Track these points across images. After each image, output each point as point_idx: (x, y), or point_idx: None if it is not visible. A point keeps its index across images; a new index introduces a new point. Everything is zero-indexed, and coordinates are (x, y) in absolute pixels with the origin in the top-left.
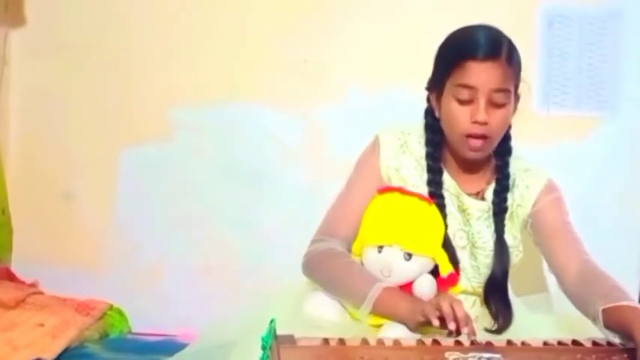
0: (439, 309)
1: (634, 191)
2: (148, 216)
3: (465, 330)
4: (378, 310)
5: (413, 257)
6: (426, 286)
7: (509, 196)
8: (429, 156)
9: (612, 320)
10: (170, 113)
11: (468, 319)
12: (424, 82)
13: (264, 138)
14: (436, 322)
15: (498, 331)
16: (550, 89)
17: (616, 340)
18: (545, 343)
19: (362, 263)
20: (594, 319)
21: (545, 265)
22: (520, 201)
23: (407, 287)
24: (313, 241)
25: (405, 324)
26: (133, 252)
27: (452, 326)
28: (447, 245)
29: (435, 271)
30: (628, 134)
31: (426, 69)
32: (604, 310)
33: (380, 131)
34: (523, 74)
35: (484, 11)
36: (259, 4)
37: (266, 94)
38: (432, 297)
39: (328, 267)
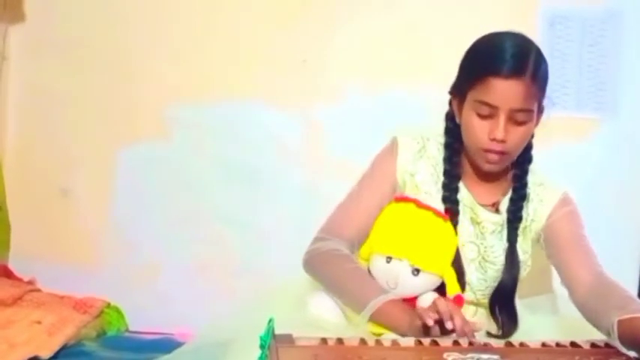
0: (436, 310)
1: (633, 192)
2: (145, 214)
3: (463, 340)
4: (377, 319)
5: (421, 273)
6: (430, 303)
7: (523, 210)
8: (447, 160)
9: (628, 332)
10: (168, 111)
11: (465, 326)
12: (423, 82)
13: (262, 137)
14: (430, 322)
15: (501, 338)
16: (550, 90)
17: (632, 353)
18: (543, 345)
19: (369, 269)
20: (608, 332)
21: (542, 266)
22: (534, 215)
23: (411, 301)
24: (317, 239)
25: (403, 336)
26: (131, 250)
27: (449, 325)
28: (455, 257)
29: (441, 288)
30: (628, 135)
31: (425, 69)
32: (619, 322)
33: (399, 134)
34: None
35: (485, 12)
36: (258, 3)
37: (265, 93)
38: None
39: (334, 268)
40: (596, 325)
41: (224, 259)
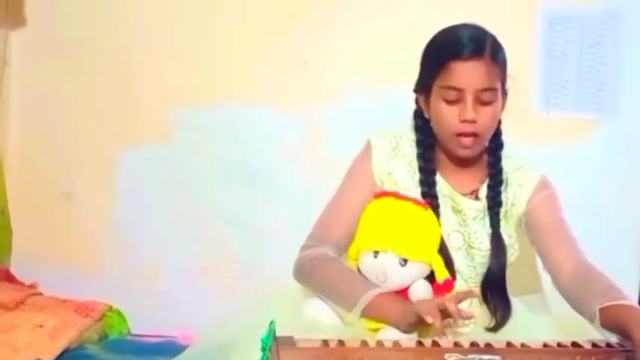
0: (443, 308)
1: (633, 192)
2: (147, 216)
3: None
4: (369, 314)
5: (408, 263)
6: (421, 291)
7: (502, 195)
8: (420, 157)
9: (609, 319)
10: (170, 113)
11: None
12: None
13: (263, 138)
14: (429, 320)
15: (496, 327)
16: (550, 91)
17: (613, 339)
18: (544, 345)
19: (358, 268)
20: (591, 319)
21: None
22: (513, 200)
23: (403, 292)
24: (304, 247)
25: (397, 327)
26: (133, 252)
27: (460, 323)
28: (442, 247)
29: (431, 276)
30: (627, 136)
31: None
32: (601, 310)
33: (372, 135)
34: (516, 74)
35: (484, 12)
36: (259, 5)
37: (265, 94)
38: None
39: (323, 271)
40: (579, 311)
41: (225, 260)
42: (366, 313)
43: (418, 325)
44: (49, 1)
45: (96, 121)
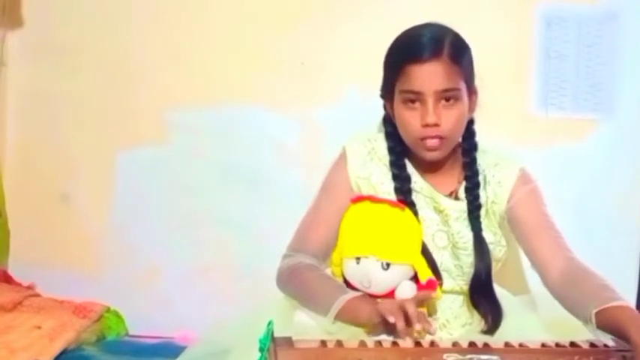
0: (404, 310)
1: (632, 193)
2: (145, 218)
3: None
4: (342, 318)
5: (391, 266)
6: (407, 293)
7: (482, 193)
8: (393, 164)
9: (605, 322)
10: (168, 115)
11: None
12: None
13: (261, 140)
14: (392, 319)
15: (490, 330)
16: (548, 91)
17: (609, 341)
18: (543, 345)
19: (343, 274)
20: (585, 321)
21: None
22: (494, 198)
23: (390, 296)
24: (284, 257)
25: (366, 327)
26: (131, 254)
27: (418, 327)
28: (424, 249)
29: (416, 277)
30: (626, 136)
31: None
32: (596, 313)
33: (347, 141)
34: (514, 74)
35: (482, 13)
36: (257, 6)
37: (264, 95)
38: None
39: (300, 278)
40: (572, 312)
41: (224, 263)
42: (339, 318)
43: (384, 326)
44: (46, 2)
45: (94, 122)
